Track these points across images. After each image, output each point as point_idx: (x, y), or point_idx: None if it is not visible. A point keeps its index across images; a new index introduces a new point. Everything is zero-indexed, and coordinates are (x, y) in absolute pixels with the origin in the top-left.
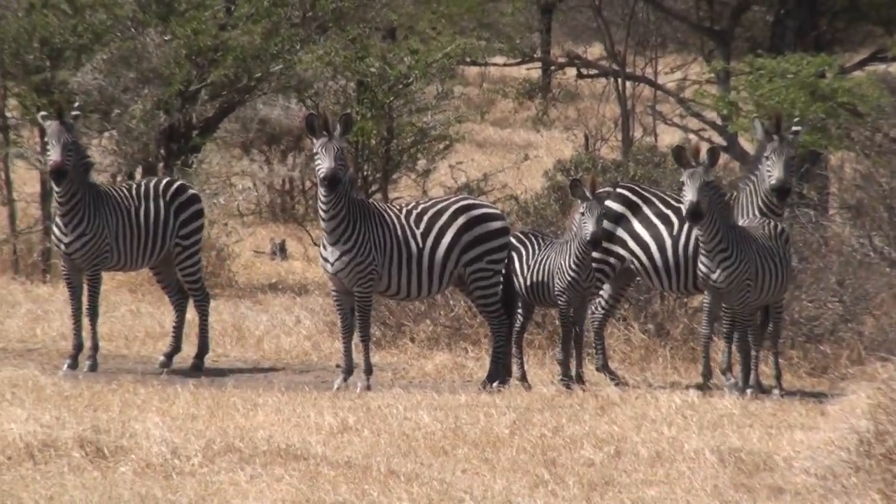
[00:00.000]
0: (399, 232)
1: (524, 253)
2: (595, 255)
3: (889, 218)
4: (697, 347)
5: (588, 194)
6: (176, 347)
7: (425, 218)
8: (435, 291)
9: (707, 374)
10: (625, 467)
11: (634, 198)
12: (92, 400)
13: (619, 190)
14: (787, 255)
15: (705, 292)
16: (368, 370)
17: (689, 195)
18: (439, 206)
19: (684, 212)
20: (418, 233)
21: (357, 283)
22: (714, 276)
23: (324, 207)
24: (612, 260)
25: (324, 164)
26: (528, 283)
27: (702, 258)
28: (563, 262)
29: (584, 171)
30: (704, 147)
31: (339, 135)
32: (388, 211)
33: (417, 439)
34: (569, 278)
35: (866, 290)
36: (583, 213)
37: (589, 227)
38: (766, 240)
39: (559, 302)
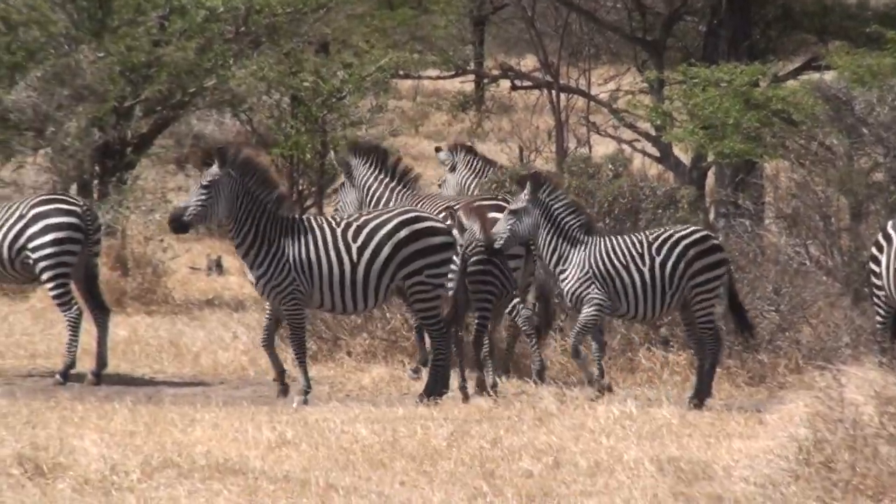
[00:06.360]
0: (332, 247)
1: None
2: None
3: (824, 226)
4: (635, 358)
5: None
6: (101, 363)
7: (364, 231)
8: (371, 306)
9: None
10: (564, 478)
11: None
12: (30, 417)
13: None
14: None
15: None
16: (307, 385)
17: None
18: (381, 219)
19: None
20: (354, 247)
21: (281, 303)
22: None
23: (230, 236)
24: None
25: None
26: None
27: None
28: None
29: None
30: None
31: (218, 167)
32: (324, 226)
33: (355, 452)
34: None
35: (803, 298)
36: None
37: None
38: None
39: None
